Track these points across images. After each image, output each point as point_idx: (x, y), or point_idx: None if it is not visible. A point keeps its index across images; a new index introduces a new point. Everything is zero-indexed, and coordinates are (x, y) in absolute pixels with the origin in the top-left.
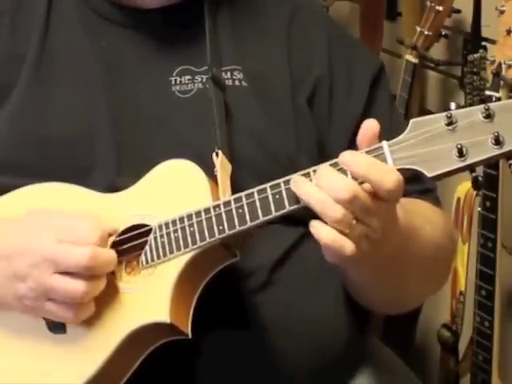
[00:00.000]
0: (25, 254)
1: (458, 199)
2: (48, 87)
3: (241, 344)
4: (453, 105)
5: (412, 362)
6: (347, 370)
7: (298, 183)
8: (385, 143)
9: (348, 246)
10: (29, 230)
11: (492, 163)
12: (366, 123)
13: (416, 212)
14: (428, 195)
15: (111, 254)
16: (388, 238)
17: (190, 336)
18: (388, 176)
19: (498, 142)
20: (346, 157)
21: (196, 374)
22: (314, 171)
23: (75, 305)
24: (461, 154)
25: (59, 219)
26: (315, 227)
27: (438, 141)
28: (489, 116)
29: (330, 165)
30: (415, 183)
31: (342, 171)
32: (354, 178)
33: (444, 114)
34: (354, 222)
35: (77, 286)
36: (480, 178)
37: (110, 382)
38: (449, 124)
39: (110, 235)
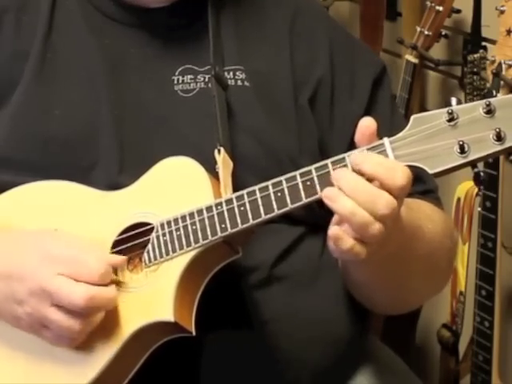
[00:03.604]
0: (24, 279)
1: (458, 199)
2: (51, 85)
3: (241, 340)
4: (453, 100)
5: (412, 361)
6: (347, 369)
7: (337, 200)
8: (386, 140)
9: (363, 250)
10: (32, 255)
11: (492, 163)
12: (363, 121)
13: (419, 211)
14: (429, 196)
15: (110, 294)
16: (391, 235)
17: (193, 333)
18: (397, 173)
19: (499, 138)
20: (355, 157)
21: (198, 370)
22: (316, 169)
23: (68, 337)
24: (462, 150)
25: (65, 249)
26: (338, 239)
27: (440, 137)
28: (490, 111)
29: (334, 161)
30: (416, 184)
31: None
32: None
33: (445, 109)
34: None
35: (72, 324)
36: (482, 174)
37: (114, 382)
38: (450, 120)
39: (115, 268)
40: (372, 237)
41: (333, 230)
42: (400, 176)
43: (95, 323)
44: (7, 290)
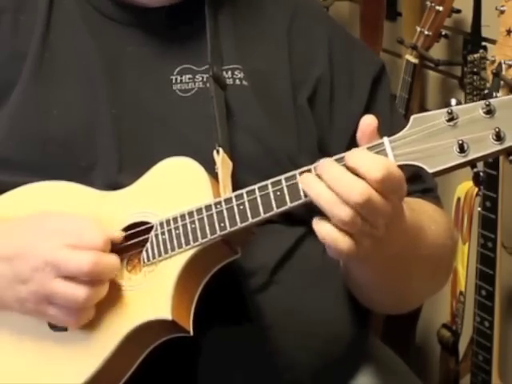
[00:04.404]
0: (27, 257)
1: (458, 199)
2: (49, 85)
3: (242, 343)
4: (453, 101)
5: (412, 361)
6: (348, 370)
7: (308, 181)
8: (386, 139)
9: (346, 242)
10: (31, 233)
11: (492, 163)
12: (365, 119)
13: (421, 212)
14: (429, 195)
15: (114, 260)
16: (394, 237)
17: (191, 333)
18: (373, 165)
19: (498, 137)
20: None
21: (197, 373)
22: (315, 168)
23: (76, 310)
24: (462, 149)
25: (62, 223)
26: (317, 223)
27: (439, 137)
28: (489, 112)
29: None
30: (416, 183)
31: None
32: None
33: (445, 110)
34: (360, 222)
35: (78, 292)
36: (481, 174)
37: (111, 381)
38: (450, 120)
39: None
40: (344, 221)
41: (314, 218)
42: (375, 169)
43: (100, 294)
44: (9, 272)
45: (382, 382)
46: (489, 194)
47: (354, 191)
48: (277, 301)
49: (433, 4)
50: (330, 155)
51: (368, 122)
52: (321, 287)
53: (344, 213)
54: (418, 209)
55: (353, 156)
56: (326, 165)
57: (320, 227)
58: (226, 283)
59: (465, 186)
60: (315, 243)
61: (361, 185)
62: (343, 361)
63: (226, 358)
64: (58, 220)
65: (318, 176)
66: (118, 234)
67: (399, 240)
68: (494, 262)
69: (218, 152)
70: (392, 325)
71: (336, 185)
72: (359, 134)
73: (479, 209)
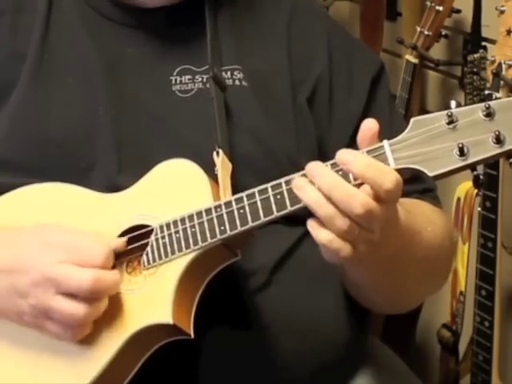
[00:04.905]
0: (27, 270)
1: (458, 199)
2: (48, 86)
3: (242, 344)
4: (453, 103)
5: (412, 361)
6: (347, 370)
7: (304, 189)
8: (386, 142)
9: (345, 248)
10: (32, 245)
11: (492, 163)
12: (366, 123)
13: (417, 213)
14: (428, 195)
15: (115, 277)
16: (388, 239)
17: (192, 336)
18: (386, 176)
19: (498, 140)
20: (344, 156)
21: (197, 374)
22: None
23: (74, 326)
24: (462, 152)
25: (63, 237)
26: (313, 228)
27: (439, 140)
28: (489, 114)
29: (334, 163)
30: (415, 183)
31: (341, 171)
32: (353, 178)
33: (445, 112)
34: (358, 229)
35: (77, 310)
36: (481, 177)
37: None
38: (450, 123)
39: (116, 253)
40: (343, 232)
41: (309, 220)
42: (388, 180)
43: (99, 311)
44: (9, 284)
45: (381, 381)
46: (489, 194)
47: (355, 203)
48: (276, 301)
49: (433, 4)
50: (329, 155)
51: (369, 126)
52: (320, 287)
53: (345, 225)
54: (414, 210)
55: (358, 164)
56: (323, 172)
57: (318, 233)
58: (226, 284)
59: (465, 186)
60: (314, 243)
61: (361, 196)
62: (343, 361)
63: (226, 359)
64: (59, 234)
65: (311, 181)
66: (121, 241)
67: (393, 242)
68: (494, 262)
69: (217, 154)
70: (392, 325)
71: (334, 195)
72: (360, 138)
73: (479, 209)
